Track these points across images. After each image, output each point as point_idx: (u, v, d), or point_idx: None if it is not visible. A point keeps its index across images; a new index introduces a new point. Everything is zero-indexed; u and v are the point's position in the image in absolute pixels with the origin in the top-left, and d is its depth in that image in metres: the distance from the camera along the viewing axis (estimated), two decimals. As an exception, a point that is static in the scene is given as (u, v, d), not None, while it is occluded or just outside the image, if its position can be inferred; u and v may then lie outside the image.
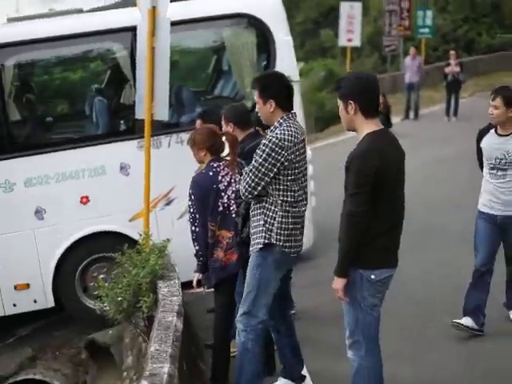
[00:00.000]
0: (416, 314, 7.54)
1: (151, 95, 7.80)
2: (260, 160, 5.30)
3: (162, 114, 7.93)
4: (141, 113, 8.00)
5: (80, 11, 9.45)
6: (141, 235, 7.64)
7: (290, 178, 5.37)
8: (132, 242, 8.51)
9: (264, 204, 5.46)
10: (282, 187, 5.38)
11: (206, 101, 9.93)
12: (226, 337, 6.32)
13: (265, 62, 9.31)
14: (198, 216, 6.09)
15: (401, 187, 4.93)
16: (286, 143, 5.29)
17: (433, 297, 7.91)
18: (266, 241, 5.40)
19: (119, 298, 6.65)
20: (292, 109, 5.54)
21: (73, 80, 10.77)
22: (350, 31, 24.32)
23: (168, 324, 5.34)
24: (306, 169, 5.55)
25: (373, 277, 4.76)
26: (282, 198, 5.38)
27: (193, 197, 6.10)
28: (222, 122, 6.68)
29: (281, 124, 5.40)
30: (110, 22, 8.86)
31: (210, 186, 6.07)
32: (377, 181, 4.63)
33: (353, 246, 4.69)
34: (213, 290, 6.40)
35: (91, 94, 9.48)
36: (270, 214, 5.43)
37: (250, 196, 5.43)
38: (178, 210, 8.79)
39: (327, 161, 14.74)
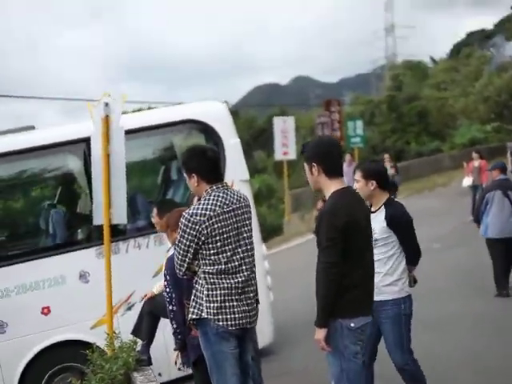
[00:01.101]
0: None
1: (108, 201, 7.96)
2: (179, 237, 5.48)
3: (121, 217, 8.07)
4: (99, 218, 8.12)
5: (32, 128, 9.68)
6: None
7: (212, 251, 5.45)
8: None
9: (196, 278, 5.58)
10: (206, 261, 5.47)
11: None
12: None
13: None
14: (173, 295, 6.24)
15: (370, 242, 5.24)
16: (198, 218, 5.40)
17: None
18: (195, 316, 5.49)
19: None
20: (220, 179, 5.68)
21: (29, 194, 10.93)
22: (285, 145, 25.00)
23: None
24: (244, 238, 5.61)
25: (352, 325, 4.95)
26: (207, 270, 5.47)
27: (168, 277, 6.27)
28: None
29: (203, 197, 5.55)
30: (62, 135, 9.14)
31: None
32: (347, 234, 4.89)
33: (330, 297, 4.89)
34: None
35: (47, 206, 9.64)
36: (199, 287, 5.53)
37: (181, 273, 5.58)
38: (139, 315, 8.87)
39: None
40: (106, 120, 7.92)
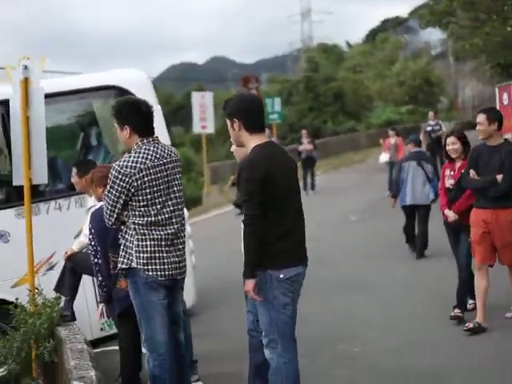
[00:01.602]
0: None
1: (28, 162, 7.97)
2: (108, 187, 5.55)
3: (41, 177, 8.07)
4: (19, 179, 8.11)
5: None
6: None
7: (142, 203, 5.52)
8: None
9: (124, 228, 5.67)
10: (136, 212, 5.54)
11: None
12: (135, 365, 6.51)
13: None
14: (98, 249, 6.40)
15: (295, 192, 5.34)
16: (129, 170, 5.46)
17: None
18: (125, 266, 5.57)
19: (15, 348, 6.81)
20: (152, 134, 5.71)
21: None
22: (203, 119, 25.18)
23: (80, 349, 5.56)
24: (175, 192, 5.70)
25: (281, 276, 5.08)
26: (136, 222, 5.54)
27: (92, 230, 6.42)
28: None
29: (134, 150, 5.60)
30: None
31: None
32: (267, 186, 5.03)
33: (255, 248, 5.02)
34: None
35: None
36: (129, 237, 5.61)
37: (110, 223, 5.64)
38: (61, 275, 9.05)
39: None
40: (25, 82, 7.91)
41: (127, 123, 5.65)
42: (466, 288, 8.36)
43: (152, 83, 10.21)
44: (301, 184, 23.91)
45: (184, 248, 5.85)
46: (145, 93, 9.68)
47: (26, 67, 7.92)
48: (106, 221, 5.65)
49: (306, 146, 22.58)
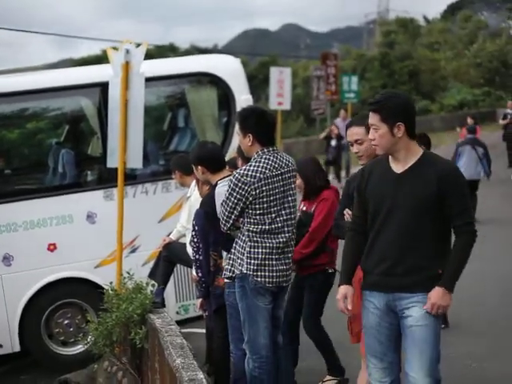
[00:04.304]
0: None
1: (124, 145, 8.10)
2: (227, 195, 5.62)
3: (136, 161, 8.23)
4: (113, 162, 8.25)
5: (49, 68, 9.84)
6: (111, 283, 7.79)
7: (258, 211, 5.60)
8: (97, 288, 8.88)
9: (239, 235, 5.76)
10: (251, 220, 5.63)
11: (168, 155, 10.22)
12: (226, 358, 6.54)
13: (226, 119, 9.86)
14: (201, 245, 6.45)
15: None
16: (249, 179, 5.53)
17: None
18: (237, 271, 5.68)
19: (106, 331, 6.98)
20: (273, 144, 5.76)
21: (42, 133, 11.08)
22: (280, 95, 24.99)
23: (180, 344, 5.57)
24: (289, 201, 5.75)
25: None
26: (251, 229, 5.64)
27: (196, 228, 6.47)
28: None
29: (254, 159, 5.68)
30: (79, 78, 9.30)
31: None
32: None
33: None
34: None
35: (60, 146, 9.81)
36: (242, 243, 5.71)
37: (225, 228, 5.75)
38: (142, 258, 9.17)
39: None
40: (126, 66, 8.01)
41: (250, 132, 5.71)
42: None
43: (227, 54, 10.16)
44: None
45: (292, 257, 5.94)
46: (238, 81, 9.75)
47: (127, 51, 7.99)
48: (222, 226, 5.74)
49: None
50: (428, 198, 4.48)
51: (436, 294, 4.46)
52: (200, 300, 6.86)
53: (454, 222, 4.54)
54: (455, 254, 4.52)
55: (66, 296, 9.14)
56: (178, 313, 9.50)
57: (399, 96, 4.69)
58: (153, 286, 7.71)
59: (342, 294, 4.73)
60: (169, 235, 8.10)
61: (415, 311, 4.51)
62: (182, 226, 7.91)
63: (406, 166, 4.62)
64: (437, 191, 4.46)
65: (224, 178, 6.18)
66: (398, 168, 4.64)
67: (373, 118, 4.63)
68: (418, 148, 4.68)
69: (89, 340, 7.49)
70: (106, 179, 9.07)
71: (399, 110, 4.57)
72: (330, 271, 6.68)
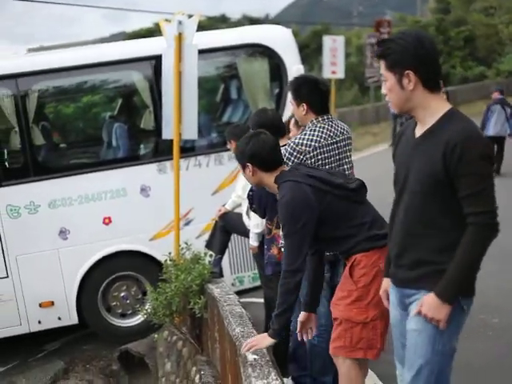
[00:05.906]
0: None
1: (179, 117, 8.07)
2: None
3: (191, 133, 8.19)
4: (168, 134, 8.22)
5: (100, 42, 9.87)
6: (170, 253, 7.84)
7: None
8: (152, 261, 8.96)
9: None
10: None
11: (220, 127, 10.27)
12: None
13: (278, 90, 9.79)
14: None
15: None
16: (304, 148, 5.41)
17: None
18: None
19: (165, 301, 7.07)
20: (327, 112, 5.62)
21: (95, 107, 11.18)
22: (334, 64, 24.79)
23: (240, 313, 5.54)
24: (345, 170, 5.61)
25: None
26: None
27: (253, 200, 6.44)
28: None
29: (309, 127, 5.58)
30: (131, 52, 9.32)
31: None
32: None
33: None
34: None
35: (112, 120, 9.87)
36: None
37: None
38: (197, 231, 9.22)
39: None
40: (179, 38, 7.97)
41: (304, 101, 5.60)
42: None
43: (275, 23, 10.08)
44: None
45: None
46: (289, 51, 9.68)
47: (180, 22, 7.95)
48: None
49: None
50: (432, 177, 3.47)
51: (427, 301, 3.49)
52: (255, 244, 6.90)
53: (464, 210, 3.43)
54: (457, 253, 3.44)
55: (122, 269, 9.28)
56: (233, 284, 9.52)
57: (409, 35, 3.54)
58: (210, 256, 7.74)
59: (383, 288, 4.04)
60: (224, 205, 8.09)
61: (412, 311, 3.65)
62: (238, 196, 7.85)
63: (423, 130, 3.60)
64: (442, 168, 3.43)
65: (283, 145, 6.13)
66: (419, 131, 3.64)
67: (381, 67, 3.63)
68: (440, 105, 3.57)
69: (148, 310, 7.53)
70: (160, 152, 9.11)
71: (408, 53, 3.48)
72: None
